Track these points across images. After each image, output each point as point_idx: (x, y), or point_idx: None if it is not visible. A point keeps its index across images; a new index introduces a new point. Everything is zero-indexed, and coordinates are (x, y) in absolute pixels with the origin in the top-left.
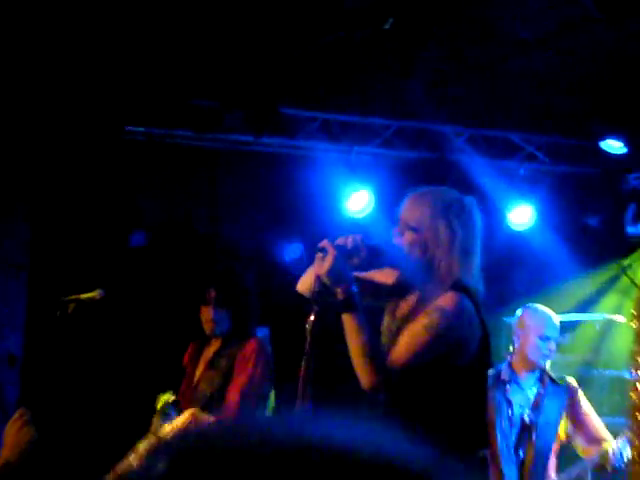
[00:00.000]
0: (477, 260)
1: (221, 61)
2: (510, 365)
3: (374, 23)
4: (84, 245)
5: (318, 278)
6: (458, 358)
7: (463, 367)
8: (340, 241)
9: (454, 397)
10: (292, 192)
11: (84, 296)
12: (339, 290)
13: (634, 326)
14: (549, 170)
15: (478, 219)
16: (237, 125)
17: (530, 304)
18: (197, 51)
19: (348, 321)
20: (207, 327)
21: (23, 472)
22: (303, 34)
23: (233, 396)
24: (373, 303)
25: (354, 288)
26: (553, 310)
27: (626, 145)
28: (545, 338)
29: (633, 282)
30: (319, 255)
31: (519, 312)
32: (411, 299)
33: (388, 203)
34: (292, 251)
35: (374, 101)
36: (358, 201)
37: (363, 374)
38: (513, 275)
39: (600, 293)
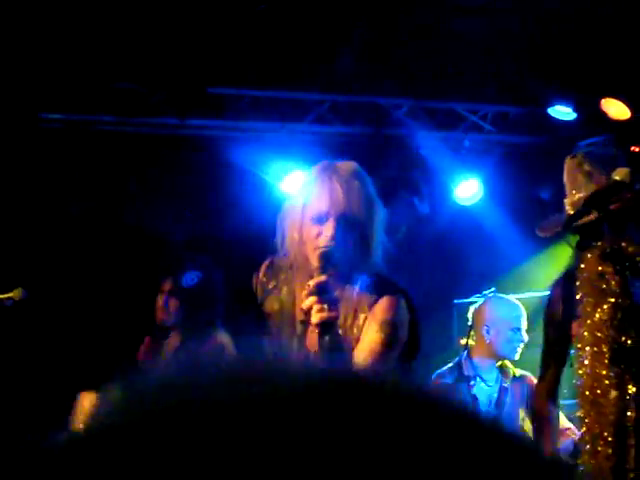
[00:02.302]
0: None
1: (141, 41)
2: (470, 358)
3: None
4: (1, 240)
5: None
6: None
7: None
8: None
9: None
10: (222, 176)
11: (3, 296)
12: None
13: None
14: (496, 140)
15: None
16: (162, 108)
17: (492, 294)
18: (116, 32)
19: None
20: (158, 315)
21: None
22: (225, 9)
23: None
24: None
25: None
26: (509, 290)
27: (575, 111)
28: (517, 330)
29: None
30: (321, 306)
31: (480, 302)
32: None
33: None
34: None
35: (306, 75)
36: (293, 183)
37: None
38: (463, 254)
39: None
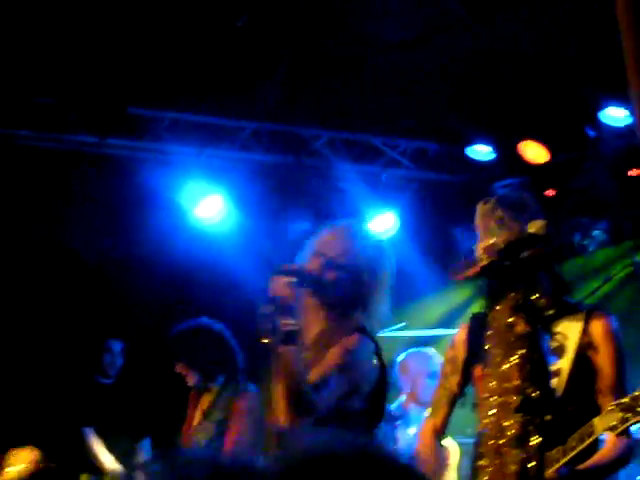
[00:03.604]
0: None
1: (65, 57)
2: (402, 406)
3: (227, 20)
4: None
5: (279, 301)
6: (354, 400)
7: (359, 411)
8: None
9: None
10: (139, 197)
11: None
12: (288, 320)
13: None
14: (413, 176)
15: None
16: (81, 125)
17: (410, 350)
18: (40, 48)
19: (287, 355)
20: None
21: None
22: (152, 30)
23: (229, 448)
24: None
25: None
26: (415, 324)
27: (494, 151)
28: (433, 375)
29: (483, 295)
30: (288, 279)
31: (401, 358)
32: (316, 335)
33: (243, 209)
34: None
35: (228, 101)
36: (209, 207)
37: (287, 412)
38: None
39: (465, 306)
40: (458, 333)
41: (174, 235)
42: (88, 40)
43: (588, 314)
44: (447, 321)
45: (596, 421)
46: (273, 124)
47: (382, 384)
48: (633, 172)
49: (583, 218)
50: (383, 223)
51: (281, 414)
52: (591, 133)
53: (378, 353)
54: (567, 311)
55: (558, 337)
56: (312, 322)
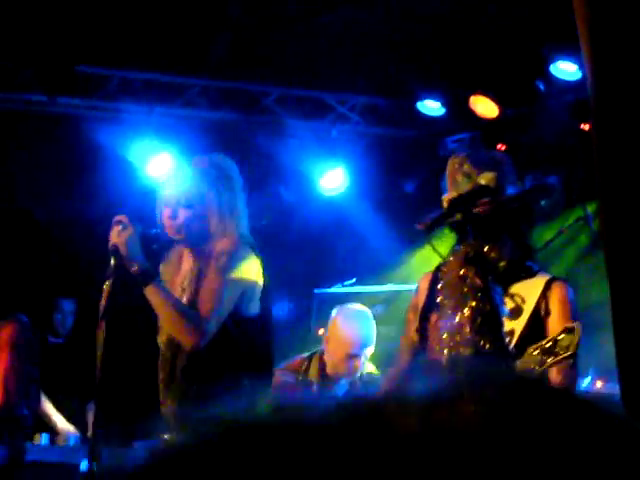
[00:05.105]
0: (245, 218)
1: (11, 16)
2: (322, 360)
3: None
4: None
5: (115, 249)
6: (250, 306)
7: (255, 317)
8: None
9: (251, 349)
10: (89, 155)
11: None
12: (135, 264)
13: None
14: (363, 132)
15: (238, 179)
16: (30, 84)
17: (345, 306)
18: None
19: (151, 291)
20: None
21: None
22: None
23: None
24: None
25: (148, 264)
26: (369, 282)
27: (444, 106)
28: (353, 356)
29: (435, 250)
30: (118, 228)
31: (334, 312)
32: (195, 264)
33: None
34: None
35: (177, 59)
36: (159, 165)
37: (185, 336)
38: (326, 244)
39: (416, 262)
40: (421, 280)
41: (124, 193)
42: None
43: (549, 281)
44: (399, 277)
45: (518, 364)
46: (223, 81)
47: (270, 294)
48: (586, 126)
49: (534, 172)
50: (333, 179)
51: (182, 339)
52: (542, 87)
53: (259, 260)
54: (528, 274)
55: (515, 298)
56: (185, 264)
